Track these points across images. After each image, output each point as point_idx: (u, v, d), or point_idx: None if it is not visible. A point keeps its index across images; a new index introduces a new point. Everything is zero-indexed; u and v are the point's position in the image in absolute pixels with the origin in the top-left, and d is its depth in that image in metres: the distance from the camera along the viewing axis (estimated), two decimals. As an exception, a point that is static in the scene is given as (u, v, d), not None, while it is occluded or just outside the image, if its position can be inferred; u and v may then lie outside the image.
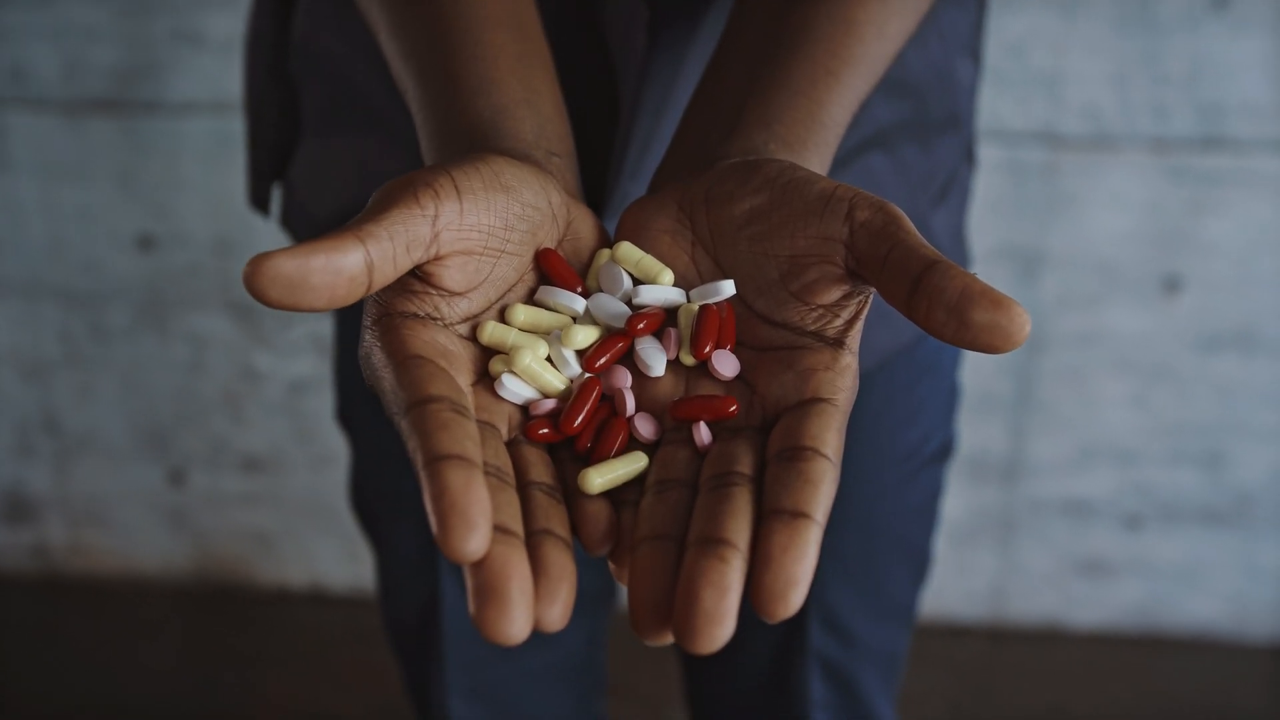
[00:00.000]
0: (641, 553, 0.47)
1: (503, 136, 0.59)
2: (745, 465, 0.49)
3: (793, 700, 0.97)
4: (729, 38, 0.66)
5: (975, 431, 1.77)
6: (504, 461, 0.49)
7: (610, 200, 0.73)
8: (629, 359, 0.55)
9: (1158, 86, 1.65)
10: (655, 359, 0.53)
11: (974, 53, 0.87)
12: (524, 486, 0.49)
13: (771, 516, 0.46)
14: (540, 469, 0.50)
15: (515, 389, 0.52)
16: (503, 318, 0.54)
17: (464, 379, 0.51)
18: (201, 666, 1.85)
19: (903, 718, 1.11)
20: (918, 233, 0.50)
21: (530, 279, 0.55)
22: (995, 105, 1.64)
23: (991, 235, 1.69)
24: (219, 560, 1.98)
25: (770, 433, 0.50)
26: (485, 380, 0.53)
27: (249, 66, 0.91)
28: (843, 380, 0.51)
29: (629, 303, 0.55)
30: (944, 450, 0.96)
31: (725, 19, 0.72)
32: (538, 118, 0.61)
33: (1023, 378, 1.80)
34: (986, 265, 1.70)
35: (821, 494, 0.46)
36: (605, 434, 0.52)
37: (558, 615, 0.45)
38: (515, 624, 0.43)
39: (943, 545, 1.77)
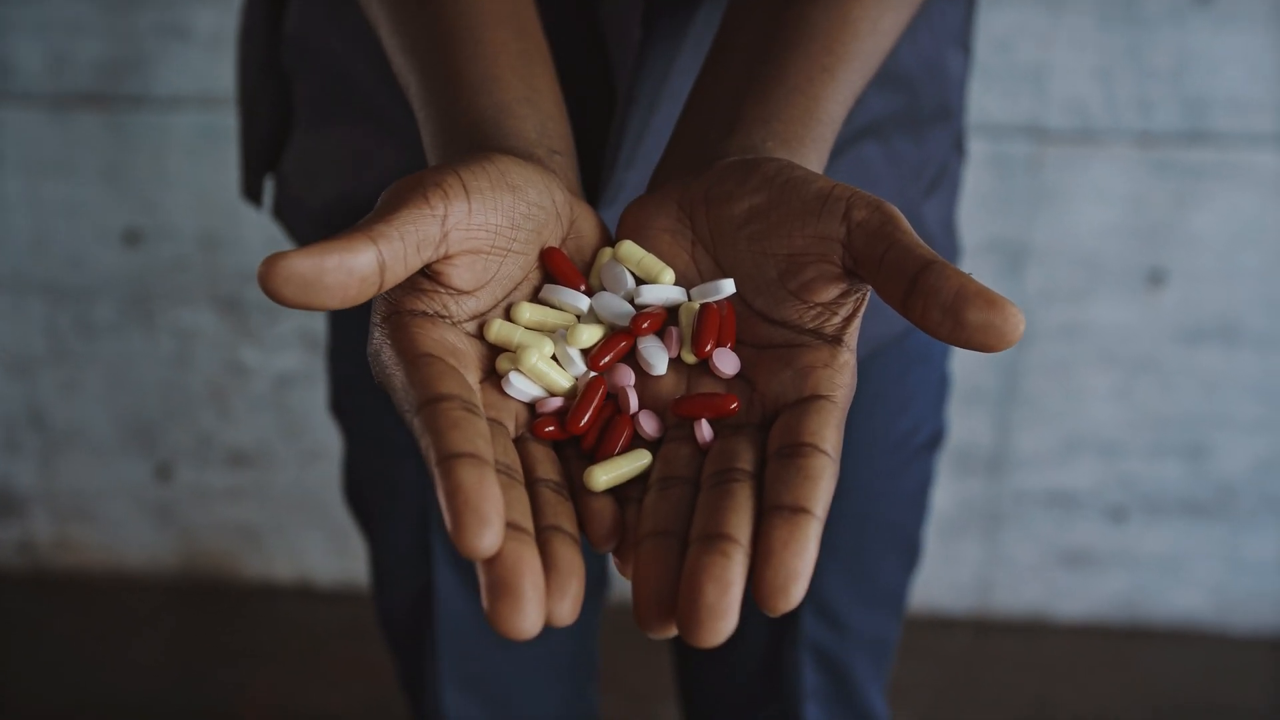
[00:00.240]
0: (645, 548, 0.48)
1: (506, 135, 0.60)
2: (746, 462, 0.50)
3: (785, 688, 0.98)
4: (726, 33, 0.66)
5: (961, 424, 1.78)
6: (513, 459, 0.50)
7: (606, 189, 0.74)
8: (631, 357, 0.55)
9: (1143, 80, 1.66)
10: (657, 358, 0.54)
11: (964, 44, 0.88)
12: (532, 483, 0.50)
13: (772, 512, 0.46)
14: (547, 466, 0.51)
15: (522, 387, 0.53)
16: (508, 315, 0.55)
17: (472, 377, 0.52)
18: (189, 662, 1.85)
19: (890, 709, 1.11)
20: (914, 232, 0.51)
21: (535, 277, 0.56)
22: (981, 99, 1.65)
23: (977, 229, 1.70)
24: (206, 555, 1.98)
25: (770, 429, 0.51)
26: (492, 377, 0.53)
27: (242, 60, 0.91)
28: (841, 377, 0.51)
29: (631, 301, 0.56)
30: (935, 439, 0.97)
31: (721, 9, 0.73)
32: (539, 115, 0.62)
33: (1008, 371, 1.80)
34: (972, 259, 1.70)
35: (821, 489, 0.47)
36: (609, 432, 0.53)
37: (568, 610, 0.45)
38: (528, 619, 0.44)
39: (928, 537, 1.77)
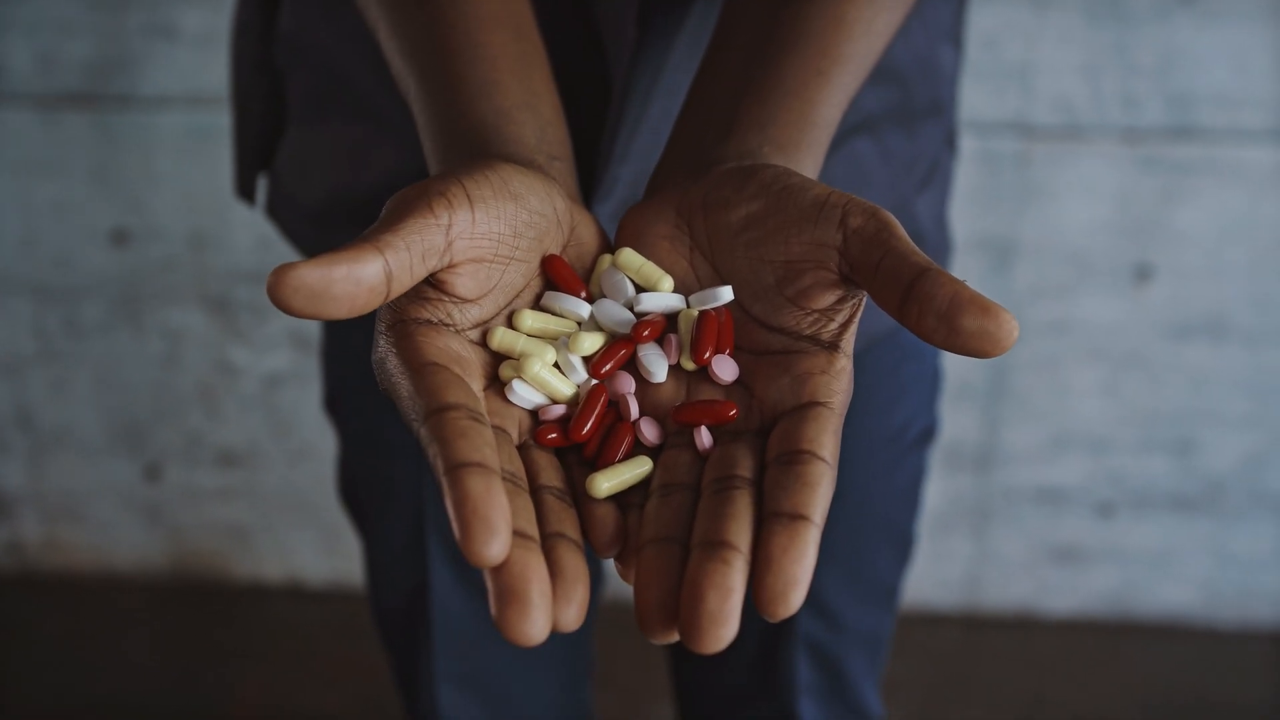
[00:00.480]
0: (647, 555, 0.48)
1: (506, 141, 0.60)
2: (745, 468, 0.50)
3: (780, 684, 0.98)
4: (721, 35, 0.67)
5: (950, 421, 1.78)
6: (517, 467, 0.51)
7: (600, 183, 0.74)
8: (632, 364, 0.56)
9: (1128, 77, 1.67)
10: (657, 365, 0.55)
11: (956, 40, 0.89)
12: (536, 490, 0.51)
13: (771, 519, 0.47)
14: (551, 473, 0.52)
15: (526, 395, 0.53)
16: (511, 323, 0.55)
17: (476, 384, 0.52)
18: (178, 662, 1.84)
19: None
20: (909, 239, 0.51)
21: (536, 284, 0.57)
22: (968, 96, 1.65)
23: (965, 225, 1.70)
24: (195, 555, 1.98)
25: (769, 436, 0.52)
26: (496, 385, 0.54)
27: (235, 57, 0.92)
28: (838, 383, 0.52)
29: (631, 308, 0.57)
30: (927, 434, 0.97)
31: (715, 6, 0.73)
32: (538, 121, 0.62)
33: (996, 367, 1.81)
34: (960, 255, 1.71)
35: (819, 496, 0.48)
36: (611, 439, 0.53)
37: (574, 616, 0.46)
38: (536, 625, 0.45)
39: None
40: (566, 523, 0.50)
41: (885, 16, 0.67)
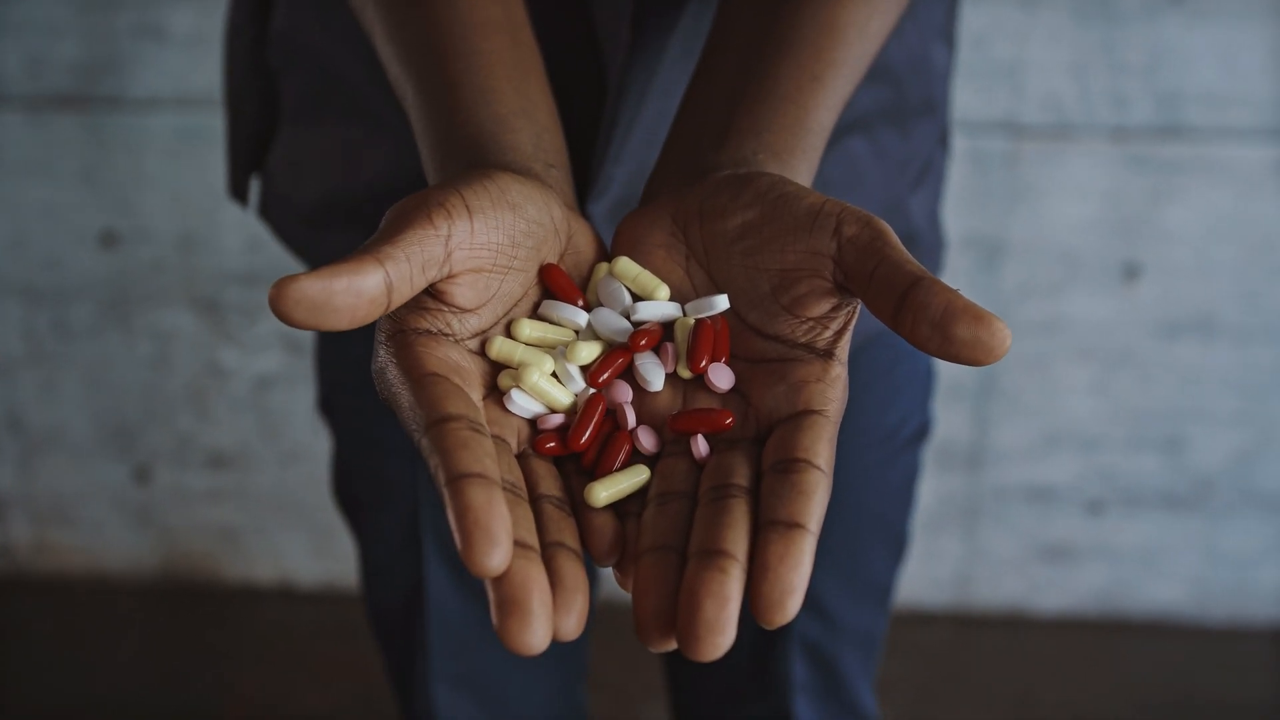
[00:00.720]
0: (644, 564, 0.49)
1: (503, 149, 0.60)
2: (741, 477, 0.51)
3: (775, 683, 0.98)
4: (716, 39, 0.67)
5: (940, 420, 1.78)
6: (517, 476, 0.51)
7: (595, 184, 0.74)
8: (629, 373, 0.56)
9: (1117, 76, 1.67)
10: (654, 374, 0.55)
11: (948, 38, 0.89)
12: (535, 500, 0.51)
13: (768, 528, 0.48)
14: (549, 482, 0.52)
15: (524, 404, 0.54)
16: (509, 332, 0.56)
17: (476, 394, 0.53)
18: (170, 665, 1.84)
19: (876, 704, 1.12)
20: (903, 247, 0.52)
21: (534, 293, 0.57)
22: (958, 95, 1.65)
23: (954, 224, 1.70)
24: (186, 557, 1.98)
25: (765, 444, 0.52)
26: (495, 394, 0.54)
27: (228, 58, 0.91)
28: (833, 391, 0.53)
29: (628, 317, 0.57)
30: (921, 432, 0.98)
31: (708, 6, 0.73)
32: (535, 128, 0.63)
33: (986, 367, 1.81)
34: (949, 255, 1.71)
35: (814, 504, 0.48)
36: (609, 448, 0.54)
37: (573, 625, 0.47)
38: (536, 635, 0.45)
39: (909, 533, 1.78)
40: (566, 532, 0.50)
41: (879, 20, 0.67)
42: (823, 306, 0.54)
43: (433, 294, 0.53)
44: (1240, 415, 1.82)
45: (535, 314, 0.57)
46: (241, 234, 1.78)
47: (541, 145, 0.62)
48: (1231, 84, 1.67)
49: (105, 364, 1.87)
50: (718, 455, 0.53)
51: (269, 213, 0.91)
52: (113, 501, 1.95)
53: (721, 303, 0.55)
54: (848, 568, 0.97)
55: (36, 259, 1.82)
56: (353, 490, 1.00)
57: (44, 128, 1.76)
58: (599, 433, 0.54)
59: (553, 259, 0.58)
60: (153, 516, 1.95)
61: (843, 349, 0.54)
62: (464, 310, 0.54)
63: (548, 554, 0.48)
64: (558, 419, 0.54)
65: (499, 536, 0.45)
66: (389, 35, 0.66)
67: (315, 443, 1.87)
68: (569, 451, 0.54)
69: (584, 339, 0.56)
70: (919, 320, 0.49)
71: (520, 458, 0.53)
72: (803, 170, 0.62)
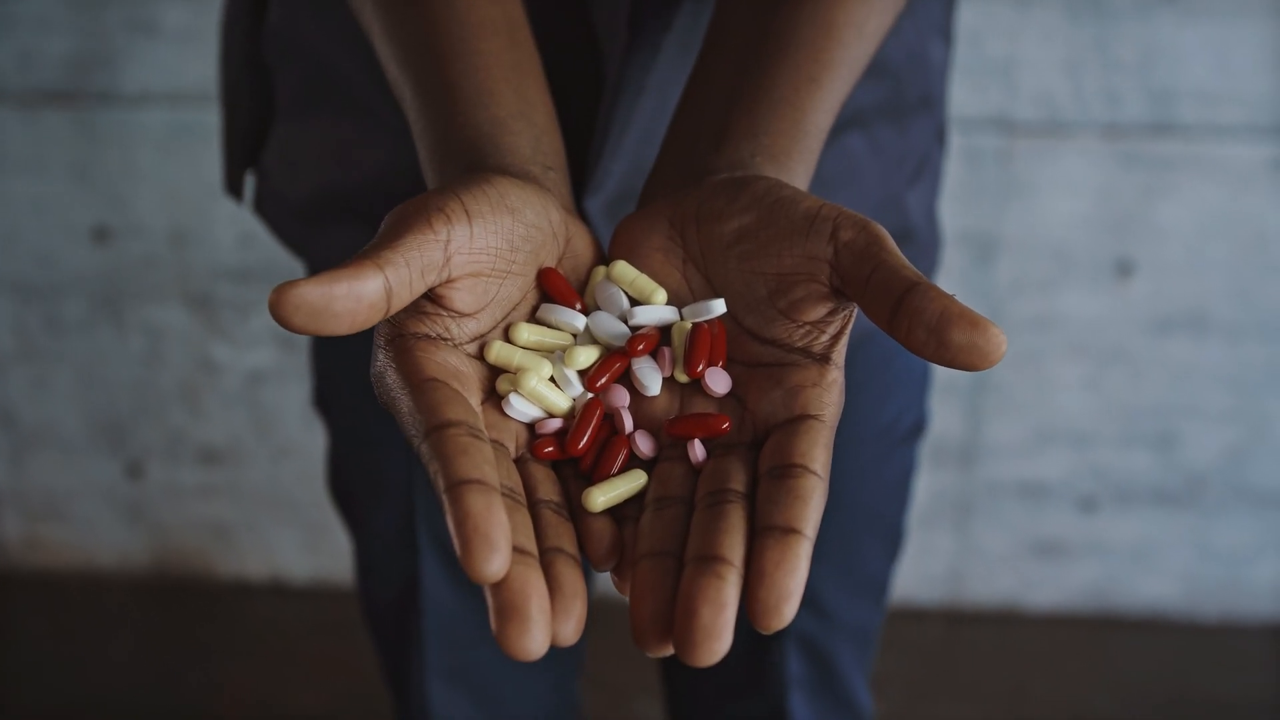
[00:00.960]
0: (642, 569, 0.49)
1: (502, 152, 0.60)
2: (738, 482, 0.51)
3: (770, 678, 0.98)
4: (713, 40, 0.67)
5: (933, 416, 1.78)
6: (515, 481, 0.51)
7: (591, 179, 0.74)
8: (626, 377, 0.56)
9: (1110, 73, 1.67)
10: (651, 379, 0.55)
11: (946, 34, 0.89)
12: (533, 505, 0.51)
13: (764, 533, 0.48)
14: (548, 487, 0.53)
15: (522, 409, 0.54)
16: (507, 336, 0.56)
17: (474, 399, 0.53)
18: (161, 660, 1.84)
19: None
20: (899, 252, 0.52)
21: (533, 297, 0.57)
22: (951, 92, 1.65)
23: (947, 221, 1.70)
24: (178, 553, 1.98)
25: (761, 449, 0.52)
26: (493, 398, 0.55)
27: (223, 52, 0.91)
28: (829, 395, 0.53)
29: (625, 321, 0.57)
30: (917, 428, 0.98)
31: (705, 4, 0.73)
32: (533, 130, 0.63)
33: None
34: (944, 251, 1.71)
35: (811, 509, 0.48)
36: (606, 453, 0.54)
37: (571, 631, 0.47)
38: (535, 640, 0.45)
39: (902, 529, 1.78)
40: (564, 537, 0.50)
41: (876, 20, 0.67)
42: (819, 311, 0.54)
43: (432, 298, 0.53)
44: (1232, 412, 1.83)
45: (533, 318, 0.57)
46: (233, 230, 1.78)
47: (540, 148, 0.62)
48: (1224, 82, 1.67)
49: (97, 359, 1.87)
50: (714, 460, 0.53)
51: (264, 208, 0.91)
52: (104, 497, 1.95)
53: (718, 307, 0.55)
54: (843, 563, 0.97)
55: (28, 254, 1.81)
56: (348, 485, 0.99)
57: (36, 123, 1.75)
58: (597, 437, 0.54)
59: (551, 262, 0.58)
60: (144, 512, 1.95)
61: (839, 353, 0.54)
62: (463, 315, 0.54)
63: (546, 559, 0.48)
64: (556, 423, 0.55)
65: (498, 543, 0.45)
66: (387, 34, 0.66)
67: (308, 439, 1.87)
68: (567, 456, 0.54)
69: (582, 343, 0.56)
70: (915, 325, 0.49)
71: (518, 462, 0.53)
72: (800, 173, 0.62)
